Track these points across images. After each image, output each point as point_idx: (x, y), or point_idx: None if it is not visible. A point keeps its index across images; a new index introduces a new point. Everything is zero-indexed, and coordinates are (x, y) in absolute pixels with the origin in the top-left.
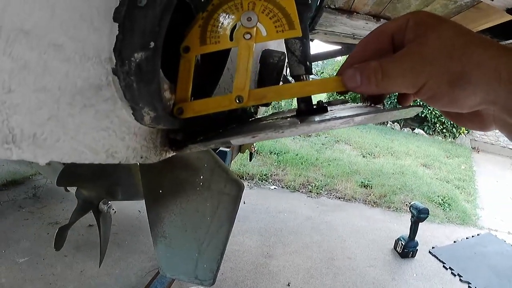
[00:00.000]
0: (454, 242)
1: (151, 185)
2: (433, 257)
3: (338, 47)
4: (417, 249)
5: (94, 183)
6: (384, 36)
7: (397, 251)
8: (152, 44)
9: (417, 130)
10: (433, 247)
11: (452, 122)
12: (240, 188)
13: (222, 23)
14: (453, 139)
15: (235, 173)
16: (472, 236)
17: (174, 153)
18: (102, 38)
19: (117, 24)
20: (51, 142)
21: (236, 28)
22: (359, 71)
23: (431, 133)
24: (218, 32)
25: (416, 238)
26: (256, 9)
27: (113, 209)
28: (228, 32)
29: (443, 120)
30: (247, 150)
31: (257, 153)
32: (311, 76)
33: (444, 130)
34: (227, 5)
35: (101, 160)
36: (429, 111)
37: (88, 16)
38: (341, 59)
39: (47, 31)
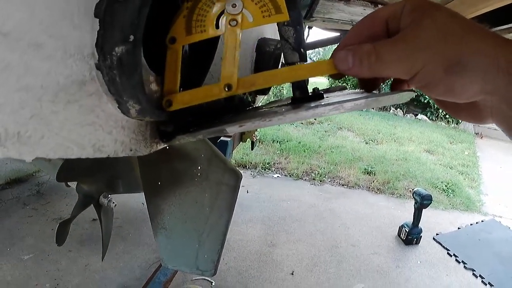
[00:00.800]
0: (459, 228)
1: (150, 177)
2: (437, 244)
3: (337, 34)
4: (421, 236)
5: (93, 177)
6: (378, 21)
7: (401, 238)
8: (131, 37)
9: (420, 116)
10: (437, 234)
11: None
12: (238, 178)
13: (207, 12)
14: (456, 124)
15: (238, 163)
16: (477, 223)
17: (165, 145)
18: (83, 34)
19: (98, 19)
20: (35, 140)
21: (222, 16)
22: (351, 52)
23: (434, 119)
24: (204, 21)
25: (420, 225)
26: None
27: (113, 203)
28: (213, 20)
29: None
30: (248, 139)
31: (259, 142)
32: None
33: (447, 116)
34: None
35: (89, 155)
36: None
37: (69, 13)
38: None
39: (27, 31)
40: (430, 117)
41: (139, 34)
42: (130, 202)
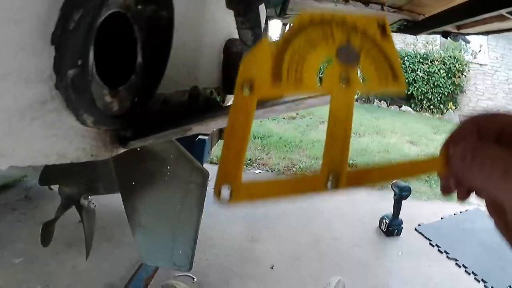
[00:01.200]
0: (441, 218)
1: (125, 178)
2: (419, 235)
3: None
4: (402, 227)
5: (74, 180)
6: (494, 124)
7: (382, 230)
8: (80, 61)
9: (404, 108)
10: (419, 225)
11: (439, 98)
12: (205, 176)
13: (306, 54)
14: (441, 115)
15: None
16: (460, 212)
17: (124, 149)
18: (43, 60)
19: (54, 46)
20: (8, 153)
21: (326, 67)
22: (471, 150)
23: (418, 110)
24: (301, 65)
25: (402, 216)
26: (353, 42)
27: (93, 203)
28: (315, 70)
29: (430, 97)
30: None
31: None
32: None
33: (432, 107)
34: (312, 32)
35: (53, 161)
36: (415, 88)
37: (29, 45)
38: None
39: None
40: (414, 108)
41: (86, 59)
42: (114, 204)
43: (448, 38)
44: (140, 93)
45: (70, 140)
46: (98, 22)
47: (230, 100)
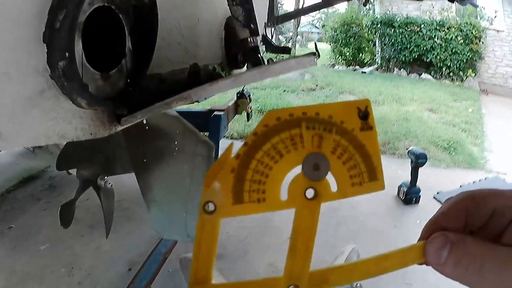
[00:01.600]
0: (460, 186)
1: (137, 156)
2: (438, 203)
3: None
4: (420, 195)
5: (90, 162)
6: (484, 206)
7: (400, 198)
8: (67, 54)
9: (424, 75)
10: (437, 193)
11: (458, 65)
12: (210, 148)
13: (270, 169)
14: (461, 82)
15: (240, 134)
16: (479, 180)
17: (122, 127)
18: (38, 57)
19: (45, 44)
20: (13, 136)
21: (292, 179)
22: (449, 246)
23: (438, 78)
24: (264, 184)
25: (421, 184)
26: (325, 146)
27: (110, 183)
28: (278, 185)
29: (449, 64)
30: (243, 111)
31: (260, 112)
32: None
33: (451, 74)
34: (279, 138)
35: (55, 141)
36: (434, 56)
37: (24, 46)
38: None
39: None
40: (434, 76)
41: (72, 52)
42: (136, 185)
43: (455, 1)
44: (131, 75)
45: (69, 122)
46: (80, 19)
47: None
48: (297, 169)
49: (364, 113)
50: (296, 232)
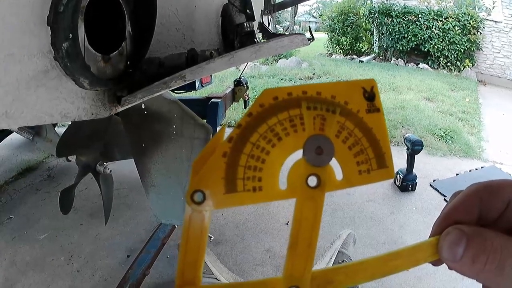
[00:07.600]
0: (457, 175)
1: (135, 141)
2: (434, 190)
3: None
4: (416, 182)
5: (89, 148)
6: (501, 196)
7: (396, 185)
8: (70, 35)
9: (421, 65)
10: (434, 180)
11: (456, 55)
12: (208, 132)
13: (267, 153)
14: (459, 72)
15: (238, 123)
16: (476, 169)
17: (122, 108)
18: (42, 39)
19: (49, 27)
20: (17, 115)
21: (292, 165)
22: (466, 240)
23: (435, 67)
24: (261, 171)
25: (418, 172)
26: (328, 129)
27: (109, 169)
28: (277, 172)
29: (446, 54)
30: (241, 99)
31: None
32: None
33: (449, 64)
34: (276, 119)
35: (57, 120)
36: (431, 45)
37: (28, 29)
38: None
39: (2, 48)
40: (432, 66)
41: (75, 33)
42: (135, 173)
43: None
44: (131, 57)
45: (71, 102)
46: (83, 3)
47: None
48: (297, 154)
49: (370, 93)
50: (296, 226)
